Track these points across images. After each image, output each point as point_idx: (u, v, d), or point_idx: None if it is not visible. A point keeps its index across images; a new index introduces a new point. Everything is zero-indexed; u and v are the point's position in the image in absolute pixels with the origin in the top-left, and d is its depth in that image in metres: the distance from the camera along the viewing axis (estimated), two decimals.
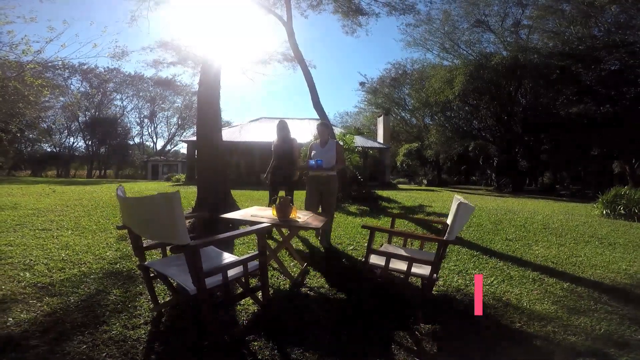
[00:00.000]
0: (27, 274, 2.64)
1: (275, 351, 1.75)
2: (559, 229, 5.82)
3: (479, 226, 5.74)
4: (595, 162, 20.36)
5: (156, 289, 2.25)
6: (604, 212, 7.77)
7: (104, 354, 1.61)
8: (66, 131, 40.08)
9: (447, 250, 3.93)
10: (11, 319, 1.90)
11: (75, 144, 42.27)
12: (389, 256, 2.12)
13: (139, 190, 11.11)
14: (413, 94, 24.47)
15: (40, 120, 29.86)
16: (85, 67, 32.61)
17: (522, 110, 20.41)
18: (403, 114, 32.96)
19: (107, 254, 3.29)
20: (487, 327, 2.15)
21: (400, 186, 21.12)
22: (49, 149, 41.31)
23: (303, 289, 2.58)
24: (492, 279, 3.03)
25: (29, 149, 39.09)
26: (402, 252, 2.29)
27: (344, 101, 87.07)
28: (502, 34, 20.20)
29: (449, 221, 2.55)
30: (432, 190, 16.98)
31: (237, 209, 6.46)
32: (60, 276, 2.62)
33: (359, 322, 2.11)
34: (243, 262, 1.79)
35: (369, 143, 20.87)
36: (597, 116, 17.09)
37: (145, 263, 1.88)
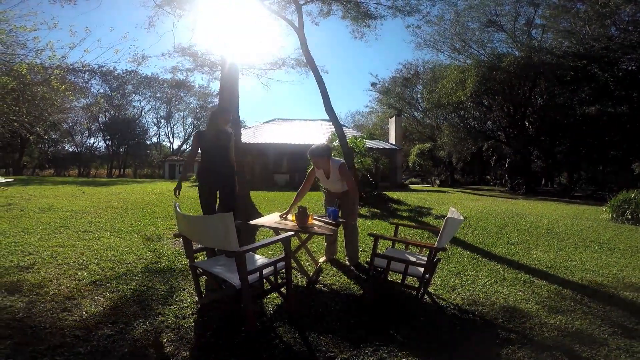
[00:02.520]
0: (85, 273, 3.13)
1: (297, 335, 2.17)
2: (562, 233, 6.05)
3: (484, 230, 6.04)
4: (614, 163, 20.05)
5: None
6: (612, 216, 7.91)
7: (165, 340, 2.05)
8: (87, 132, 41.66)
9: (449, 253, 4.29)
10: (84, 312, 2.36)
11: (96, 144, 43.99)
12: (389, 259, 2.54)
13: (161, 192, 11.75)
14: (425, 95, 24.60)
15: (62, 121, 31.09)
16: (105, 69, 33.79)
17: (537, 110, 20.30)
18: (416, 114, 33.03)
19: (147, 254, 3.78)
20: (473, 321, 2.52)
21: (412, 187, 21.34)
22: (70, 149, 43.05)
23: (317, 286, 3.02)
24: (487, 280, 3.38)
25: (51, 149, 40.80)
26: (402, 256, 2.68)
27: (356, 101, 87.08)
28: (514, 34, 20.12)
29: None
30: (444, 192, 17.15)
31: (257, 210, 6.94)
32: (112, 274, 3.11)
33: (364, 314, 2.52)
34: (274, 263, 2.26)
35: (381, 144, 21.14)
36: (615, 116, 16.91)
37: (195, 263, 2.34)
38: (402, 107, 30.90)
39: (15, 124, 14.19)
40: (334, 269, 3.45)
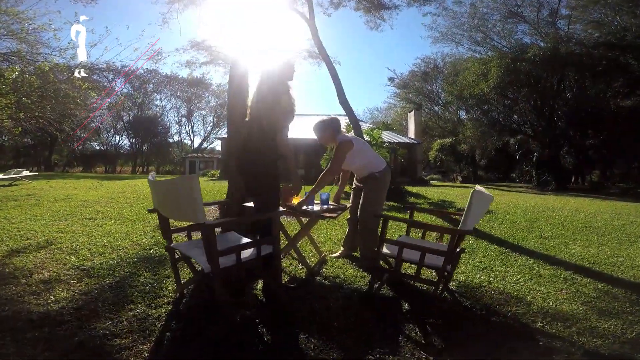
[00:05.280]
0: (72, 258, 2.92)
1: (281, 335, 1.82)
2: (602, 228, 5.44)
3: (512, 223, 5.50)
4: None
5: (181, 272, 2.42)
6: None
7: (125, 330, 1.76)
8: (112, 130, 42.96)
9: (474, 247, 3.83)
10: (52, 297, 2.12)
11: (121, 142, 45.30)
12: (401, 245, 2.10)
13: None
14: (446, 88, 23.64)
15: (90, 120, 31.99)
16: (127, 69, 34.54)
17: (566, 103, 19.08)
18: (436, 109, 32.02)
19: (144, 240, 3.55)
20: (505, 324, 2.10)
21: (434, 183, 20.57)
22: (97, 147, 44.52)
23: (318, 278, 2.64)
24: (519, 276, 2.92)
25: (80, 147, 42.31)
26: (417, 243, 2.28)
27: (373, 97, 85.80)
28: (538, 25, 19.01)
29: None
30: (467, 187, 16.37)
31: None
32: (100, 260, 2.88)
33: (369, 312, 2.13)
34: (256, 245, 1.87)
35: (399, 138, 20.49)
36: None
37: (172, 245, 2.05)
38: (422, 102, 29.99)
39: (41, 120, 14.61)
40: (341, 260, 3.07)
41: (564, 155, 20.56)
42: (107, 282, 2.37)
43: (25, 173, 12.55)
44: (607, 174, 22.74)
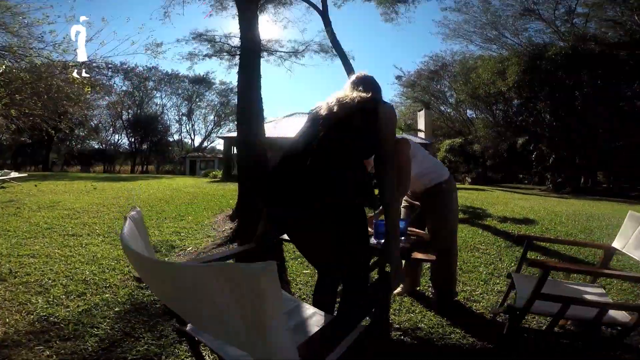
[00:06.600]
0: (40, 300, 2.13)
1: None
2: None
3: (569, 236, 4.77)
4: None
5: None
6: None
7: None
8: (111, 129, 42.20)
9: (559, 274, 3.05)
10: None
11: (120, 140, 44.48)
12: (566, 302, 1.38)
13: (177, 187, 10.90)
14: (460, 86, 22.85)
15: (88, 118, 31.10)
16: (126, 66, 33.76)
17: (585, 103, 18.40)
18: (443, 108, 31.28)
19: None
20: None
21: None
22: (96, 146, 43.72)
23: (393, 333, 1.82)
24: None
25: (78, 146, 41.46)
26: (579, 293, 1.53)
27: None
28: (554, 23, 18.37)
29: (617, 245, 1.88)
30: (482, 190, 15.60)
31: None
32: (78, 306, 2.08)
33: None
34: (361, 340, 0.97)
35: (411, 139, 19.72)
36: None
37: (187, 329, 1.11)
38: (429, 101, 29.23)
39: (31, 117, 13.81)
40: (407, 299, 2.27)
41: (577, 156, 19.84)
42: (90, 349, 1.57)
43: (14, 174, 11.68)
44: (620, 176, 22.01)
